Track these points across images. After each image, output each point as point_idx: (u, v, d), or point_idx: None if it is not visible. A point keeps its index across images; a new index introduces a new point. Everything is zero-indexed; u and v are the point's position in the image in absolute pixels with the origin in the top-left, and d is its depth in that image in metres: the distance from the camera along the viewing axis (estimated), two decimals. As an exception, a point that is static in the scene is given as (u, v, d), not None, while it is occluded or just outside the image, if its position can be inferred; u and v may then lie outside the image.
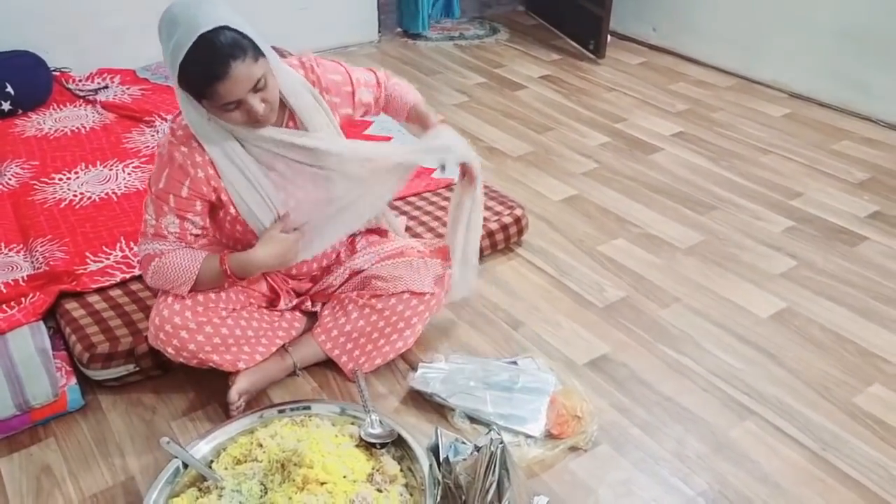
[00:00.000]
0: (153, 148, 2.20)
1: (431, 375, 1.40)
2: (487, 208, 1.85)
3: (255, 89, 1.14)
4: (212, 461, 1.23)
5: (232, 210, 1.28)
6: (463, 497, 1.17)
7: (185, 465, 1.20)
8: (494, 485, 1.12)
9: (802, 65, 2.70)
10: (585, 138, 2.45)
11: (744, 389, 1.43)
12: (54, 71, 2.56)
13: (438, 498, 1.14)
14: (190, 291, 1.30)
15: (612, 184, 2.17)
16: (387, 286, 1.42)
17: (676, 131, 2.49)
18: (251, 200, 1.28)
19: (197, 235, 1.30)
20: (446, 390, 1.37)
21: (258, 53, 1.14)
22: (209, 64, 1.10)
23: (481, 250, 1.78)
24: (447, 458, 1.16)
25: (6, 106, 2.34)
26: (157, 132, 2.29)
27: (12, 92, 2.34)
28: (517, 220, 1.83)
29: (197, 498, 1.17)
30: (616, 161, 2.30)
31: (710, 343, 1.55)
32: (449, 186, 1.97)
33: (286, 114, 1.27)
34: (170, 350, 1.31)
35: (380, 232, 1.55)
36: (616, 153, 2.35)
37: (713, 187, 2.15)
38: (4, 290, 1.58)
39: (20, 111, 2.38)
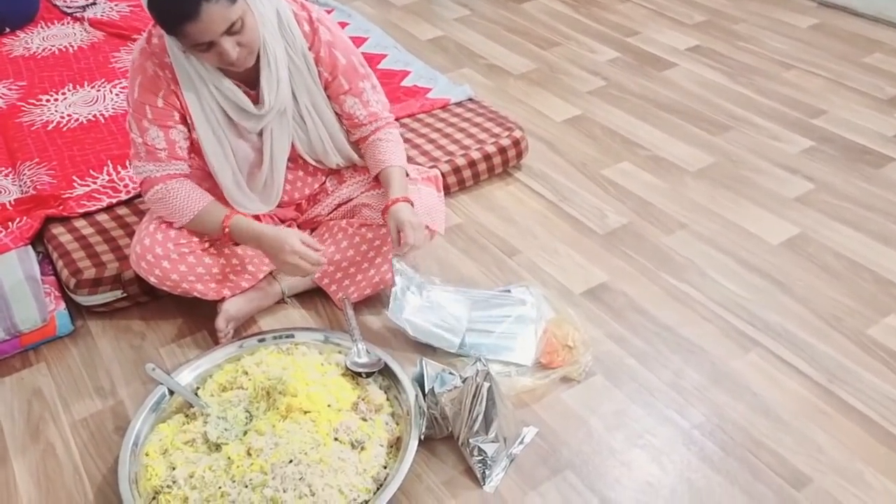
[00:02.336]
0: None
1: (408, 313, 1.24)
2: (485, 130, 1.68)
3: (230, 32, 1.01)
4: (197, 388, 1.17)
5: (195, 135, 1.18)
6: (449, 427, 1.09)
7: (172, 392, 1.13)
8: (481, 416, 1.04)
9: (836, -31, 2.36)
10: (594, 54, 2.20)
11: (748, 319, 1.30)
12: (41, -14, 2.34)
13: (424, 428, 1.06)
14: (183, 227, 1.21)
15: (619, 103, 1.95)
16: (376, 216, 1.29)
17: (692, 45, 2.22)
18: (209, 145, 1.17)
19: (189, 151, 1.19)
20: (424, 327, 1.24)
21: None
22: (178, 3, 0.96)
23: (478, 174, 1.64)
24: (433, 390, 1.07)
25: (-7, 24, 2.17)
26: (147, 51, 2.10)
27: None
28: (516, 143, 1.65)
29: (183, 424, 1.11)
30: (625, 78, 2.06)
31: (716, 271, 1.41)
32: (445, 107, 1.78)
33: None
34: (152, 279, 1.24)
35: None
36: (626, 70, 2.11)
37: (729, 106, 1.93)
38: (-8, 215, 1.49)
39: (7, 29, 2.21)
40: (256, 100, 1.17)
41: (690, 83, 2.03)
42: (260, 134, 1.20)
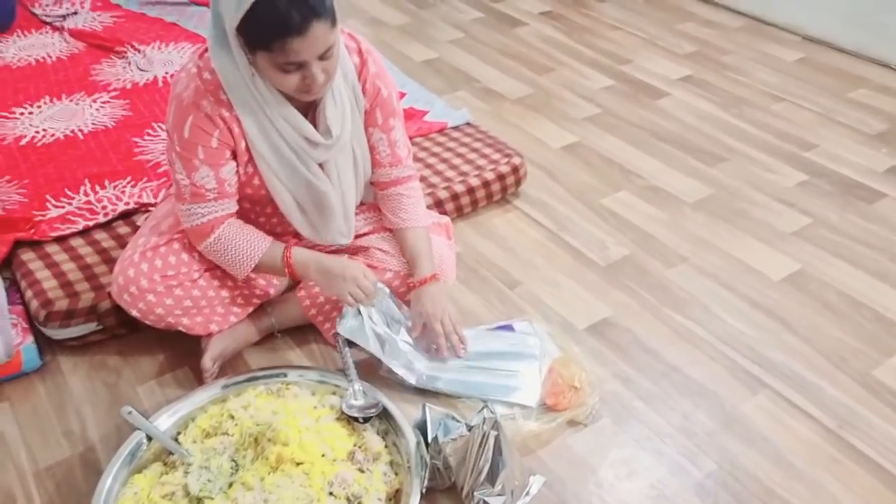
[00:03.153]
0: (124, 81, 1.90)
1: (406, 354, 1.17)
2: (483, 156, 1.60)
3: (323, 56, 0.94)
4: (178, 433, 1.05)
5: (249, 169, 1.08)
6: (452, 477, 1.00)
7: (150, 437, 1.01)
8: (487, 466, 0.95)
9: (817, 5, 2.38)
10: (588, 80, 2.15)
11: (754, 359, 1.24)
12: (18, -7, 2.20)
13: (426, 481, 0.97)
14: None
15: (615, 131, 1.90)
16: (388, 260, 1.21)
17: (684, 75, 2.19)
18: (280, 180, 1.08)
19: (235, 187, 1.09)
20: (421, 376, 1.15)
21: (335, 19, 0.94)
22: (289, 14, 0.88)
23: (476, 202, 1.56)
24: (436, 438, 0.98)
25: (-34, 31, 2.02)
26: (129, 64, 1.98)
27: (-28, 16, 2.00)
28: (515, 170, 1.58)
29: (161, 474, 0.99)
30: (620, 106, 2.02)
31: (719, 307, 1.35)
32: (442, 131, 1.70)
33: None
34: (134, 312, 1.13)
35: None
36: (620, 97, 2.06)
37: (723, 136, 1.90)
38: (-45, 238, 1.34)
39: (-18, 37, 2.05)
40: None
41: (684, 112, 2.00)
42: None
